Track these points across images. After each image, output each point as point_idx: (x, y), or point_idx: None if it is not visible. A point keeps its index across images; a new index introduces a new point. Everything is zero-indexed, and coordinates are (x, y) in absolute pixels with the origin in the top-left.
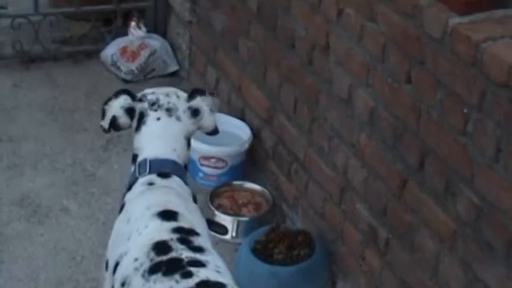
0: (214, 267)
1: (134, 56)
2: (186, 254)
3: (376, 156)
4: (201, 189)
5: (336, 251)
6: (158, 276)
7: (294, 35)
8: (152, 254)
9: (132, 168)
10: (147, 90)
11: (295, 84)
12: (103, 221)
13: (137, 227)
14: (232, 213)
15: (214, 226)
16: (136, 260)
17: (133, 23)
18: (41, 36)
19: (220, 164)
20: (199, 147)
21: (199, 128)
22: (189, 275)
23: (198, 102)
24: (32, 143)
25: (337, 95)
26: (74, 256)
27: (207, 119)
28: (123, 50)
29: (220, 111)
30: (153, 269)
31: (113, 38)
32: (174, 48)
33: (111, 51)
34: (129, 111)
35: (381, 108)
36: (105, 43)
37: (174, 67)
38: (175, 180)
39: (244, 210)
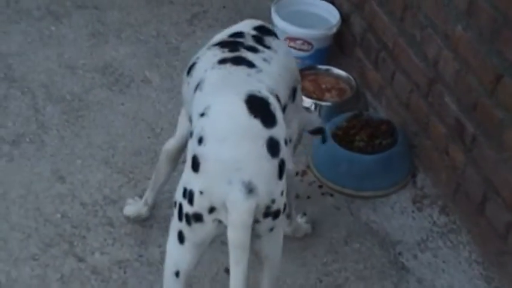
0: (263, 55)
1: None
2: (249, 43)
3: (470, 49)
4: None
5: (418, 143)
6: (215, 47)
7: None
8: (225, 37)
9: None
10: None
11: None
12: None
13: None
14: (314, 97)
15: None
16: (214, 41)
17: None
18: None
19: (306, 47)
20: (286, 27)
21: None
22: (235, 50)
23: None
24: (117, 12)
25: None
26: (153, 127)
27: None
28: None
29: None
30: (216, 44)
31: None
32: None
33: None
34: None
35: None
36: None
37: None
38: None
39: (327, 95)
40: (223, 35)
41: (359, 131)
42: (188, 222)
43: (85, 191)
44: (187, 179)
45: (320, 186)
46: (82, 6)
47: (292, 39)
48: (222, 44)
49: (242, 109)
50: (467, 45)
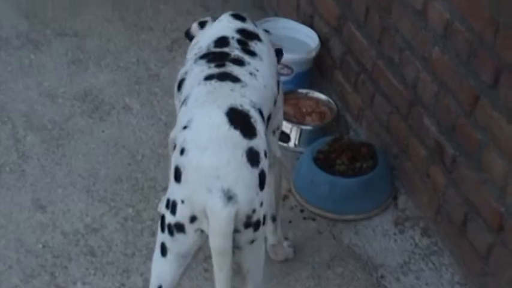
0: (249, 68)
1: None
2: (235, 53)
3: (448, 71)
4: None
5: (399, 165)
6: (202, 61)
7: None
8: (212, 46)
9: None
10: None
11: None
12: (164, 122)
13: (213, 26)
14: (295, 121)
15: None
16: (200, 47)
17: None
18: None
19: (286, 71)
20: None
21: None
22: (222, 65)
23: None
24: (97, 39)
25: (411, 5)
26: (134, 154)
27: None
28: None
29: (289, 17)
30: (203, 56)
31: None
32: None
33: None
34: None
35: (457, 21)
36: None
37: None
38: None
39: (308, 119)
40: (208, 39)
41: (340, 154)
42: (170, 232)
43: (66, 220)
44: (171, 190)
45: (302, 211)
46: (62, 33)
47: None
48: (208, 58)
49: (223, 120)
50: (445, 67)
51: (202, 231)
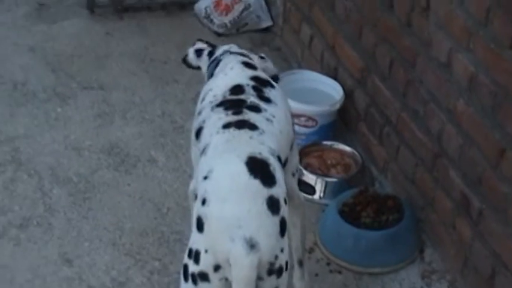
0: (266, 114)
1: (228, 9)
2: (251, 99)
3: (473, 124)
4: None
5: (425, 218)
6: (220, 109)
7: None
8: (227, 93)
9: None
10: None
11: (392, 45)
12: (189, 174)
13: (227, 74)
14: (320, 173)
15: (301, 185)
16: (215, 95)
17: None
18: None
19: (310, 123)
20: (290, 104)
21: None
22: (239, 112)
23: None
24: (122, 92)
25: (436, 58)
26: (160, 208)
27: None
28: (217, 3)
29: (313, 69)
30: (220, 104)
31: None
32: (268, 3)
33: (204, 3)
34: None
35: (481, 74)
36: None
37: (267, 22)
38: None
39: (333, 171)
40: (223, 88)
41: (365, 207)
42: (194, 281)
43: (92, 274)
44: (193, 239)
45: (328, 264)
46: (88, 87)
47: (296, 115)
48: (226, 106)
49: (242, 170)
50: (470, 120)
51: (226, 279)
